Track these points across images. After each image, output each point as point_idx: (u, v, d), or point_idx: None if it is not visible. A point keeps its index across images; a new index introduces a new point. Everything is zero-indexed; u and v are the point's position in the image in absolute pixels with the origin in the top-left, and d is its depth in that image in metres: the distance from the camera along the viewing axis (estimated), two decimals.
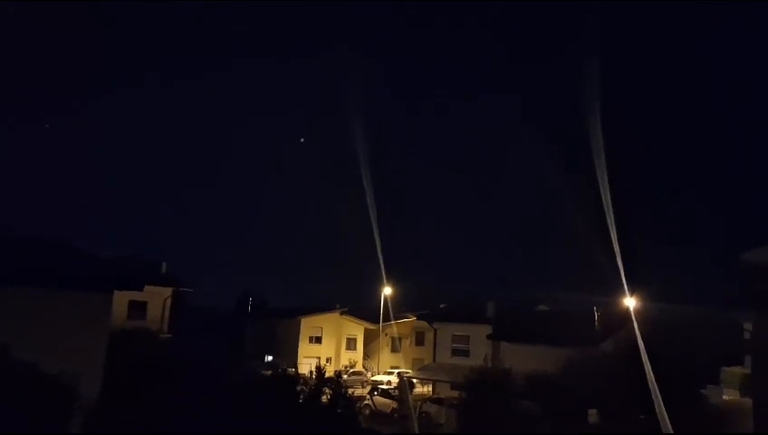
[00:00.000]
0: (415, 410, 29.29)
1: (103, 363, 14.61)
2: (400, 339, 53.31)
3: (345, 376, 20.21)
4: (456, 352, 38.54)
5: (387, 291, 48.22)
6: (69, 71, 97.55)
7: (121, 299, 29.89)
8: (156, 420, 13.05)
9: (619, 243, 24.44)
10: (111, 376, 14.50)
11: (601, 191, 24.74)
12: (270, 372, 21.01)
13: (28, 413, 10.59)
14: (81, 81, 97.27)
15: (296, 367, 22.46)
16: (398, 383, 36.95)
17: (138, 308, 35.22)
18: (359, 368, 47.58)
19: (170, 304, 38.84)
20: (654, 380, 20.41)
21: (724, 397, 28.60)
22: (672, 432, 18.98)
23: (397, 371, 45.75)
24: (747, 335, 25.00)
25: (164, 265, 42.10)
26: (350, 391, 19.37)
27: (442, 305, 49.18)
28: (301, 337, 49.95)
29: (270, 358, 43.78)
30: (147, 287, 27.30)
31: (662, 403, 19.59)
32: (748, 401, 19.75)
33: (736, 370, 30.94)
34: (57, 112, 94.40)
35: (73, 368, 11.58)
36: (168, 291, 38.60)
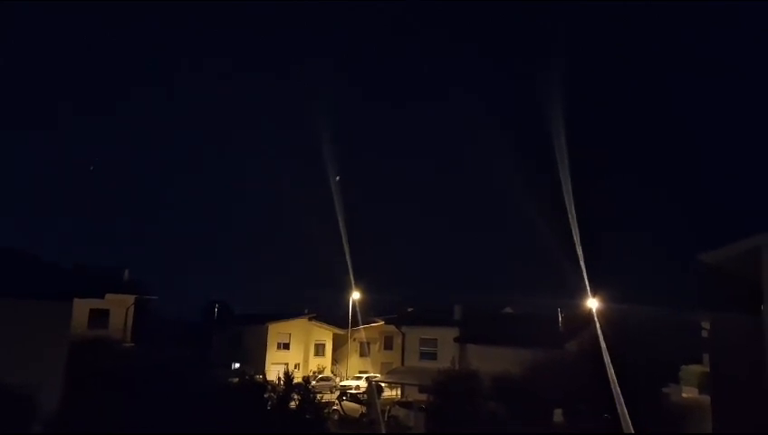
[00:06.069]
0: (383, 415, 29.34)
1: (62, 374, 14.19)
2: (369, 344, 53.29)
3: (314, 382, 20.03)
4: (424, 356, 38.71)
5: (355, 296, 48.16)
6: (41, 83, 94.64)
7: (81, 307, 29.02)
8: (117, 432, 12.74)
9: (581, 246, 25.01)
10: (71, 387, 14.09)
11: (564, 194, 25.28)
12: (237, 379, 20.70)
13: None
14: (46, 93, 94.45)
15: (264, 374, 22.16)
16: (367, 388, 36.90)
17: (99, 317, 34.32)
18: (327, 373, 47.29)
19: (133, 313, 38.01)
20: (616, 379, 20.86)
21: (684, 395, 29.39)
22: (633, 431, 19.42)
23: (365, 375, 45.70)
24: (705, 334, 25.78)
25: (126, 272, 41.14)
26: (318, 396, 19.23)
27: (409, 309, 49.34)
28: (268, 343, 49.42)
29: (237, 365, 43.16)
30: (108, 295, 26.65)
31: (624, 402, 20.03)
32: (707, 399, 20.33)
33: (695, 368, 31.86)
34: (24, 124, 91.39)
35: (31, 379, 11.25)
36: (130, 299, 37.78)
